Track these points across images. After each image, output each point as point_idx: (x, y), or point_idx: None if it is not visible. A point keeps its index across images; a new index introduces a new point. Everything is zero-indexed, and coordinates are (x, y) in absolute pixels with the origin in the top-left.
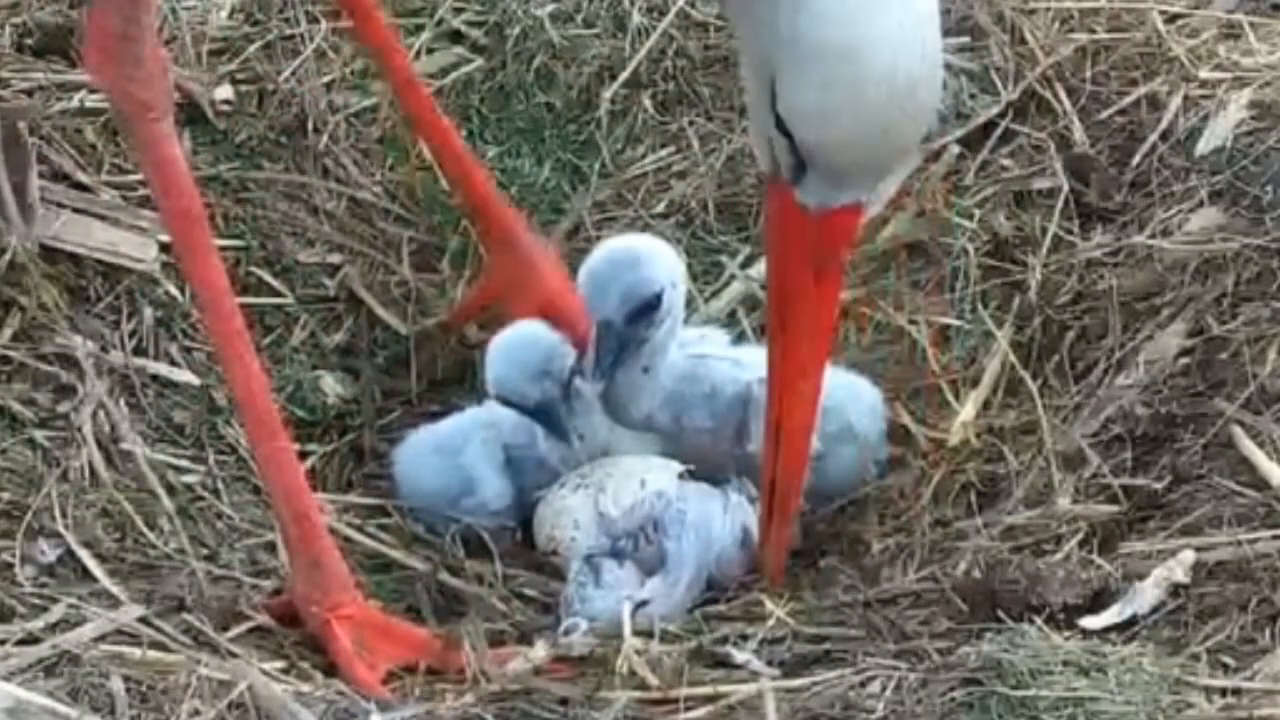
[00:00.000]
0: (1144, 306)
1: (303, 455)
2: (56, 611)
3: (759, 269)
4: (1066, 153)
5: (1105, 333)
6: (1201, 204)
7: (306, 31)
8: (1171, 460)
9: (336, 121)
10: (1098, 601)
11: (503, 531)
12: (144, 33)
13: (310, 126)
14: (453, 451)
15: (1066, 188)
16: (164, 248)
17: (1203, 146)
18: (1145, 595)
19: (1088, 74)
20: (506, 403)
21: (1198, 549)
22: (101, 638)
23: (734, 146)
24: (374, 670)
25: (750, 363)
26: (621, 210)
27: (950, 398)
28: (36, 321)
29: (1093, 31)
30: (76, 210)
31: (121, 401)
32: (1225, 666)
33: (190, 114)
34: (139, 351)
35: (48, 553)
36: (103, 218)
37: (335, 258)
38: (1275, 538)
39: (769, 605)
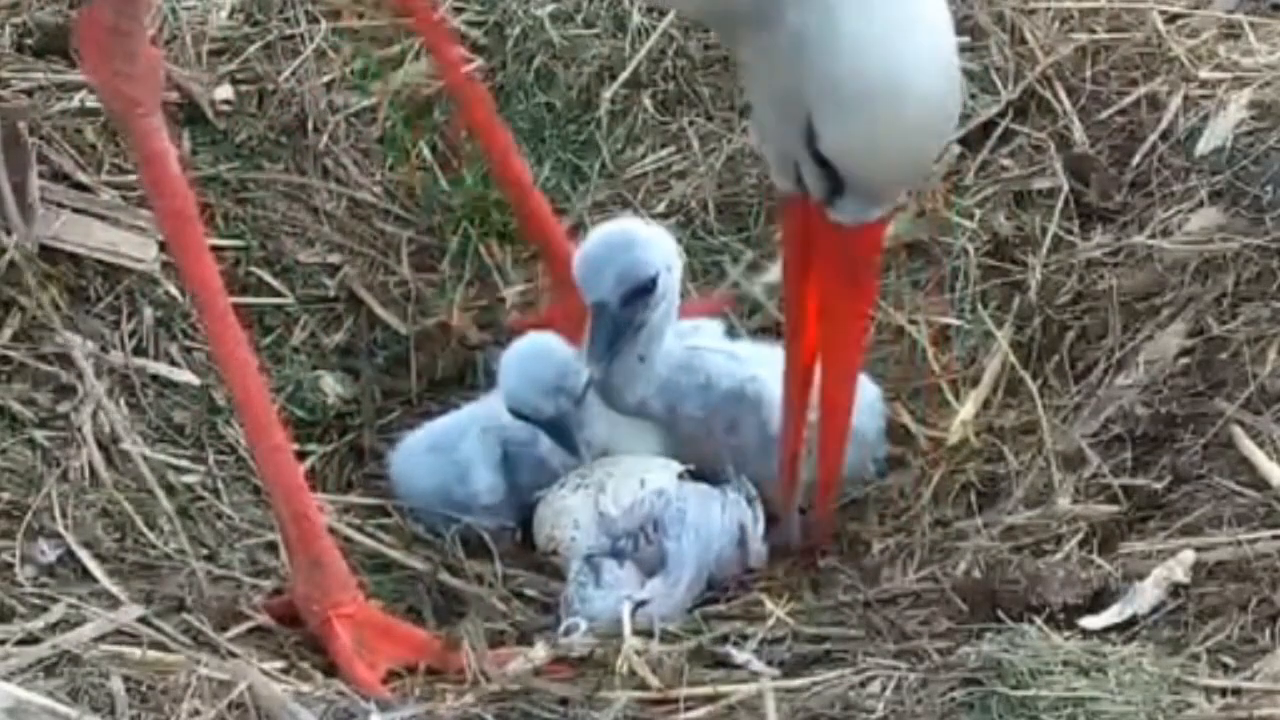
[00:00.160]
0: (1144, 306)
1: (302, 455)
2: (56, 611)
3: (762, 275)
4: (1066, 153)
5: (1105, 333)
6: (1201, 204)
7: (306, 31)
8: (1171, 460)
9: (336, 121)
10: (1098, 601)
11: (502, 531)
12: (137, 28)
13: (310, 126)
14: (448, 447)
15: (1066, 188)
16: (164, 247)
17: (1203, 146)
18: (1145, 595)
19: (1088, 74)
20: (519, 415)
21: (1198, 549)
22: (101, 638)
23: (734, 146)
24: (374, 670)
25: (746, 358)
26: (622, 210)
27: (950, 398)
28: (36, 321)
29: (1093, 31)
30: (76, 210)
31: (121, 401)
32: (1225, 666)
33: (190, 114)
34: (139, 351)
35: (48, 553)
36: (103, 218)
37: (335, 258)
38: (1275, 538)
39: (769, 605)
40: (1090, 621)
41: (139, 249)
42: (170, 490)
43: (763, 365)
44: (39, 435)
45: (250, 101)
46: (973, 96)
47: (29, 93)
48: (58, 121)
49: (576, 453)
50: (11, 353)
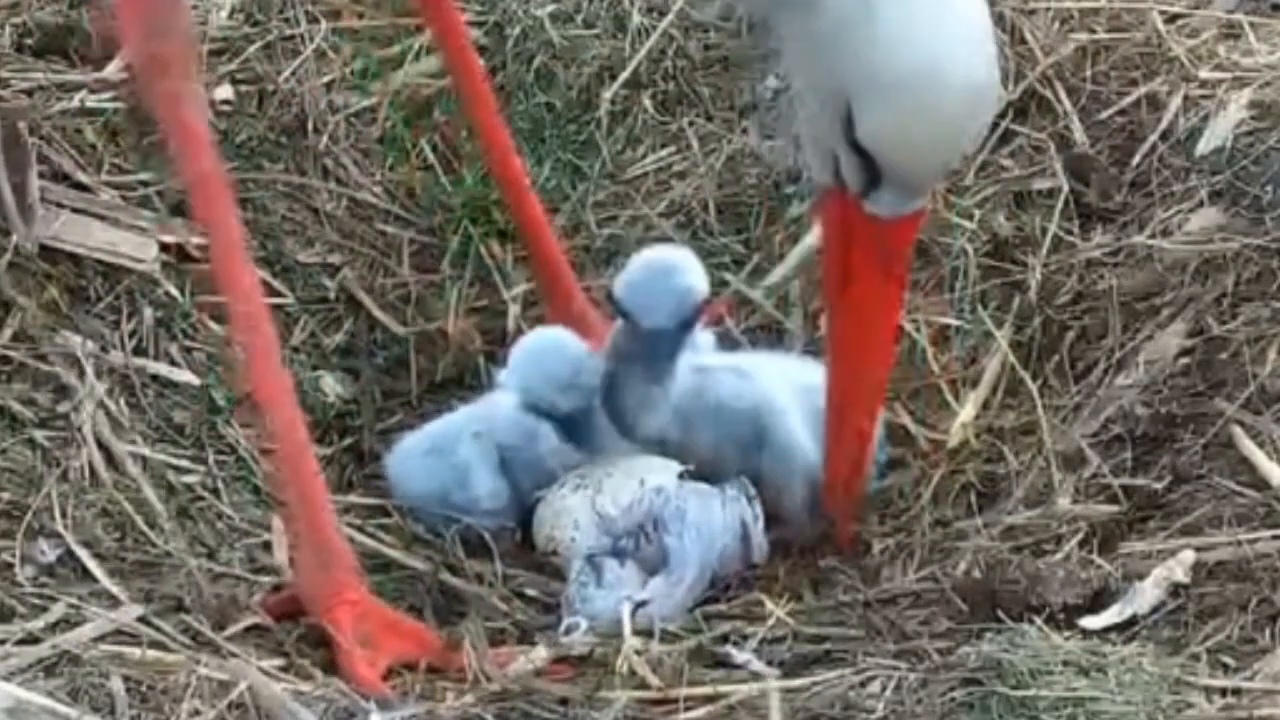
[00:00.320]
0: (1144, 306)
1: None
2: (56, 611)
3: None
4: (1066, 153)
5: (1105, 333)
6: (1201, 204)
7: (306, 31)
8: (1171, 460)
9: (336, 121)
10: (1098, 601)
11: (502, 532)
12: None
13: (310, 127)
14: (445, 451)
15: (1066, 188)
16: (164, 248)
17: (1203, 146)
18: (1145, 595)
19: (1088, 74)
20: (534, 410)
21: (1198, 549)
22: (101, 638)
23: (734, 146)
24: (374, 666)
25: (752, 371)
26: (622, 210)
27: (950, 398)
28: (36, 321)
29: (1093, 31)
30: (76, 210)
31: (121, 401)
32: (1225, 666)
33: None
34: (139, 351)
35: (48, 553)
36: (103, 218)
37: (335, 258)
38: (1275, 538)
39: (769, 605)
40: (1090, 621)
41: (139, 249)
42: (170, 490)
43: (770, 379)
44: (39, 435)
45: (250, 101)
46: None
47: (29, 93)
48: (58, 121)
49: (596, 448)
50: (11, 353)
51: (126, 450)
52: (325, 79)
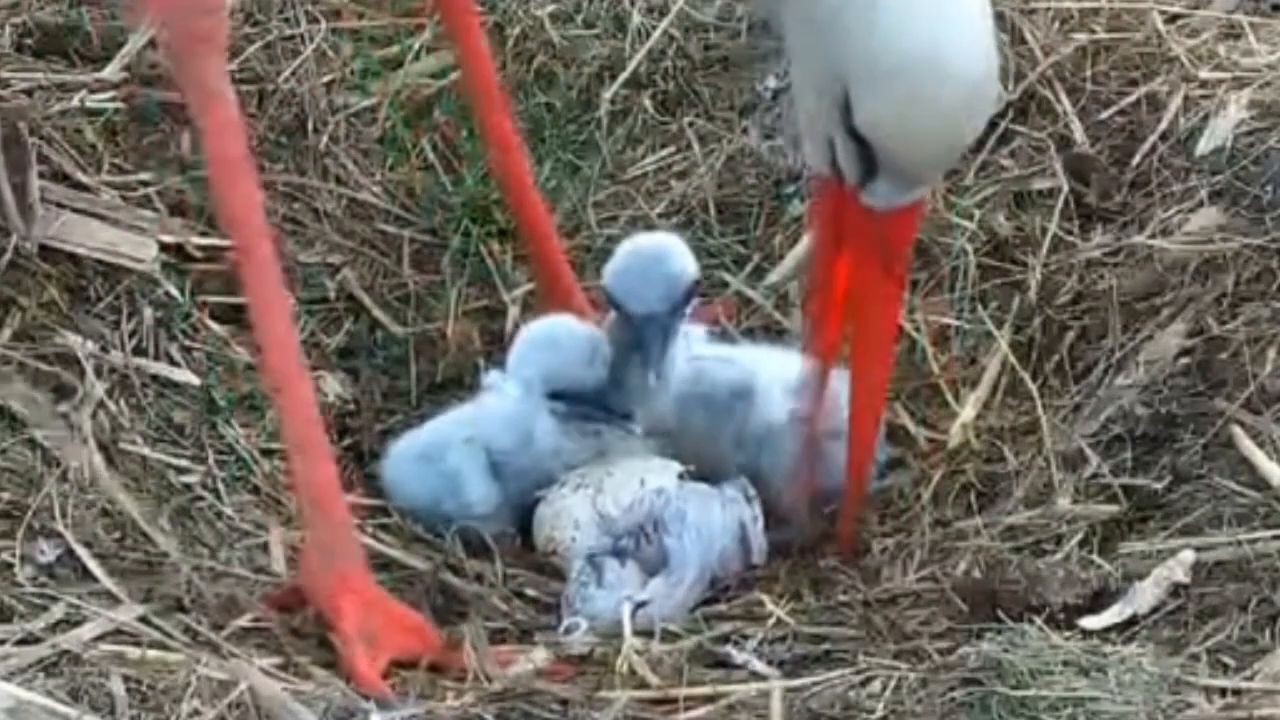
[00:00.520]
0: (1144, 306)
1: None
2: (56, 611)
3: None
4: (1066, 153)
5: (1105, 333)
6: (1201, 204)
7: (306, 31)
8: (1171, 460)
9: (336, 122)
10: (1098, 601)
11: (502, 535)
12: None
13: (310, 127)
14: (435, 458)
15: (1066, 188)
16: (164, 248)
17: (1203, 146)
18: (1145, 595)
19: (1088, 74)
20: (557, 396)
21: (1198, 549)
22: (101, 637)
23: (734, 146)
24: (375, 662)
25: (741, 362)
26: (622, 210)
27: (950, 398)
28: (36, 321)
29: (1093, 31)
30: (76, 210)
31: (122, 401)
32: (1225, 666)
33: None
34: (139, 351)
35: (47, 553)
36: (103, 218)
37: (335, 258)
38: (1275, 538)
39: (769, 605)
40: (1090, 621)
41: (139, 249)
42: (170, 490)
43: (761, 365)
44: (39, 435)
45: (250, 101)
46: None
47: (29, 93)
48: (58, 121)
49: (630, 415)
50: (11, 353)
51: (126, 450)
52: (325, 79)
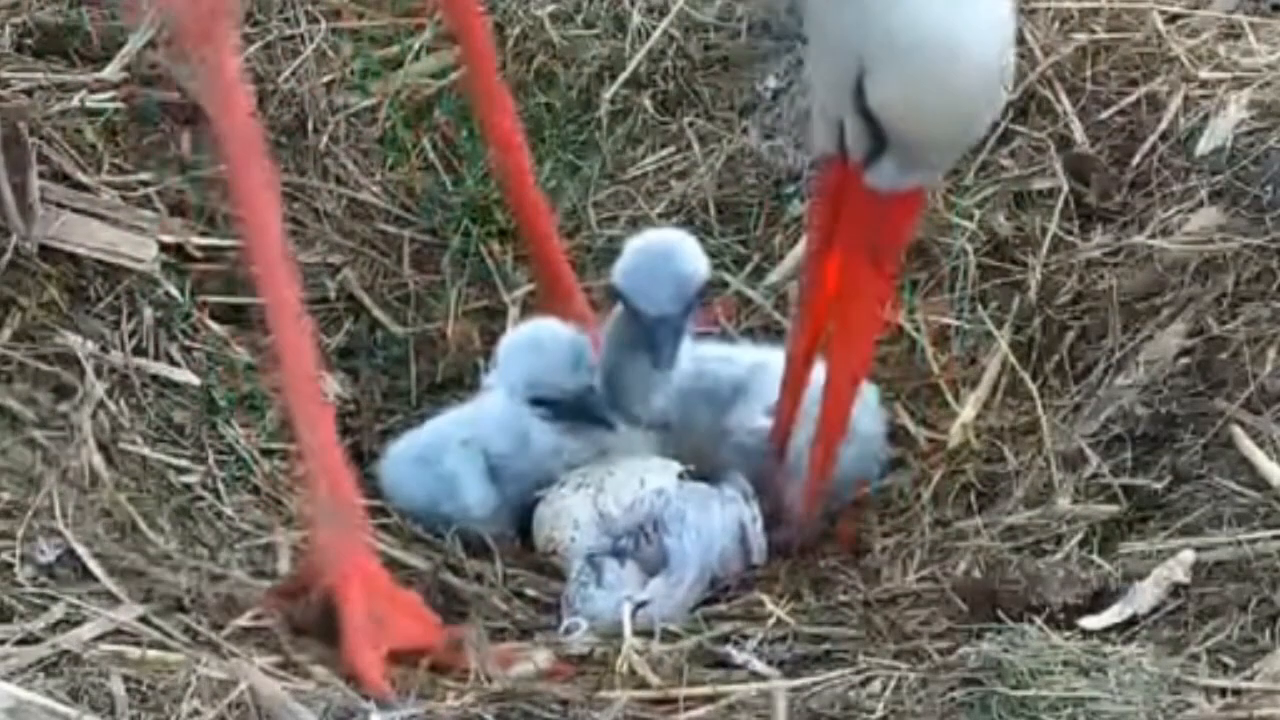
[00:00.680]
0: (1144, 306)
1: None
2: (56, 611)
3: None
4: (1066, 153)
5: (1105, 333)
6: (1201, 204)
7: (306, 31)
8: (1171, 460)
9: (336, 122)
10: (1098, 601)
11: (501, 537)
12: None
13: (310, 127)
14: (432, 461)
15: (1066, 188)
16: (164, 248)
17: (1203, 146)
18: (1145, 595)
19: (1088, 74)
20: (538, 401)
21: (1198, 549)
22: (101, 637)
23: (734, 146)
24: (378, 648)
25: (741, 360)
26: (622, 210)
27: (950, 398)
28: (36, 321)
29: (1093, 31)
30: (76, 210)
31: (122, 401)
32: (1225, 666)
33: (190, 114)
34: (139, 351)
35: (47, 552)
36: (103, 218)
37: (335, 258)
38: (1275, 538)
39: (769, 605)
40: (1090, 621)
41: (139, 249)
42: (170, 490)
43: (760, 364)
44: (39, 435)
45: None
46: None
47: (29, 93)
48: (58, 121)
49: (609, 424)
50: (11, 353)
51: (126, 450)
52: (325, 79)
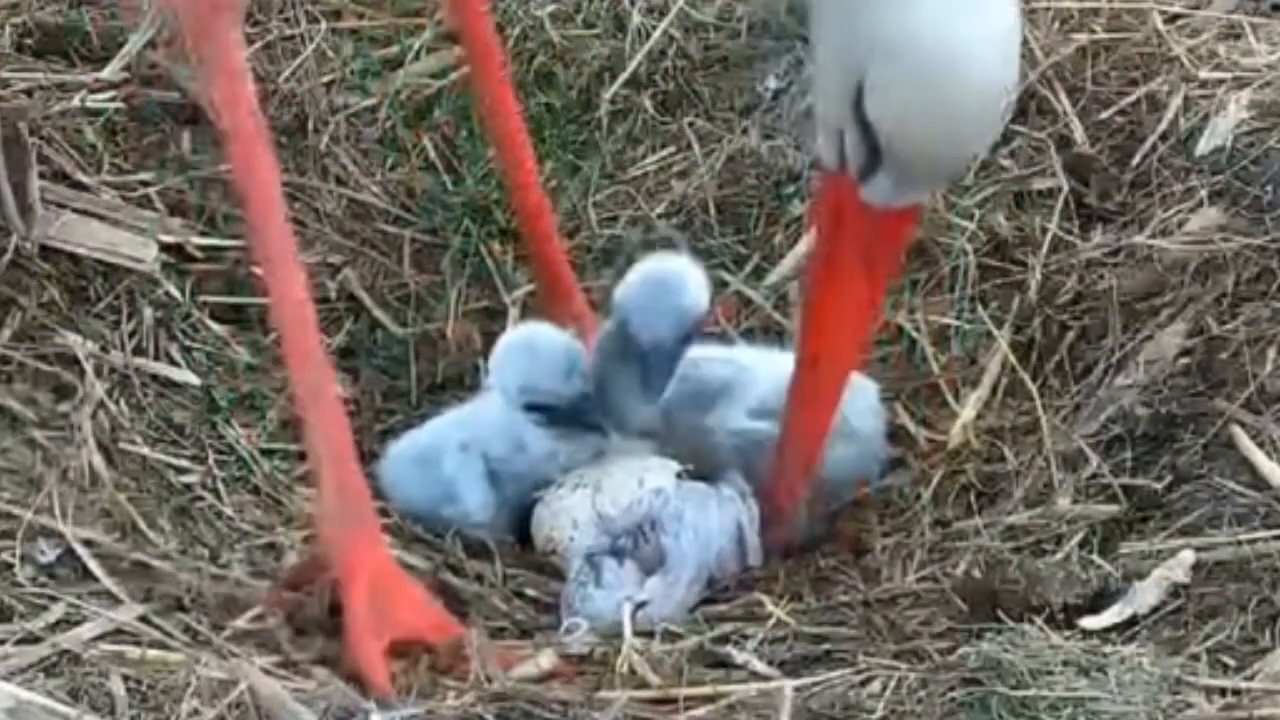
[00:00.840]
0: (1144, 306)
1: (303, 455)
2: (56, 611)
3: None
4: (1066, 153)
5: (1105, 333)
6: (1201, 204)
7: (306, 31)
8: (1171, 460)
9: (337, 122)
10: (1098, 601)
11: (501, 541)
12: None
13: (310, 127)
14: (432, 463)
15: (1066, 188)
16: (164, 248)
17: (1203, 146)
18: (1145, 595)
19: (1088, 74)
20: (532, 407)
21: (1198, 549)
22: (101, 637)
23: (734, 146)
24: (380, 639)
25: (735, 359)
26: (622, 210)
27: (950, 398)
28: (36, 321)
29: (1093, 31)
30: (76, 210)
31: (122, 401)
32: (1225, 666)
33: (190, 114)
34: (139, 351)
35: (47, 552)
36: (103, 218)
37: (336, 258)
38: (1275, 538)
39: (769, 605)
40: (1090, 621)
41: (139, 249)
42: (170, 490)
43: (755, 362)
44: (39, 435)
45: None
46: None
47: (29, 93)
48: (58, 121)
49: (602, 430)
50: (11, 353)
51: (126, 450)
52: (325, 79)
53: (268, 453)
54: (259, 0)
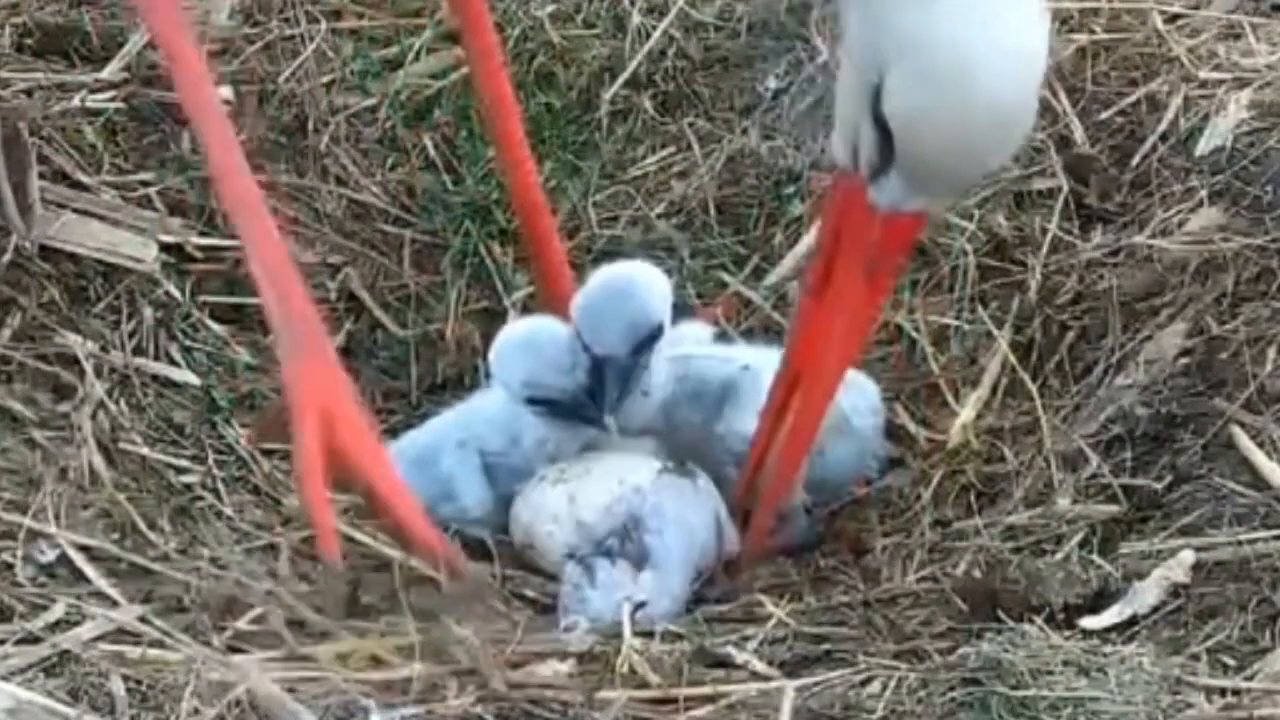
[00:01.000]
0: (1144, 306)
1: None
2: (56, 611)
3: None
4: (1066, 153)
5: (1105, 333)
6: (1201, 204)
7: (306, 32)
8: (1171, 460)
9: (336, 122)
10: (1098, 601)
11: (500, 540)
12: None
13: (310, 127)
14: (429, 463)
15: (1066, 188)
16: (164, 248)
17: (1203, 146)
18: (1145, 595)
19: (1088, 74)
20: (533, 401)
21: (1198, 549)
22: (101, 637)
23: (734, 146)
24: (325, 480)
25: (734, 357)
26: (622, 210)
27: (950, 398)
28: (36, 321)
29: (1093, 32)
30: (76, 210)
31: (121, 401)
32: (1225, 666)
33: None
34: (139, 351)
35: (47, 552)
36: (103, 218)
37: (336, 259)
38: (1275, 538)
39: (769, 605)
40: (1090, 621)
41: (139, 249)
42: (170, 490)
43: (761, 364)
44: (39, 435)
45: (250, 102)
46: None
47: (29, 93)
48: (58, 121)
49: (602, 424)
50: (11, 353)
51: (126, 450)
52: (325, 79)
53: (268, 453)
54: (259, 0)
